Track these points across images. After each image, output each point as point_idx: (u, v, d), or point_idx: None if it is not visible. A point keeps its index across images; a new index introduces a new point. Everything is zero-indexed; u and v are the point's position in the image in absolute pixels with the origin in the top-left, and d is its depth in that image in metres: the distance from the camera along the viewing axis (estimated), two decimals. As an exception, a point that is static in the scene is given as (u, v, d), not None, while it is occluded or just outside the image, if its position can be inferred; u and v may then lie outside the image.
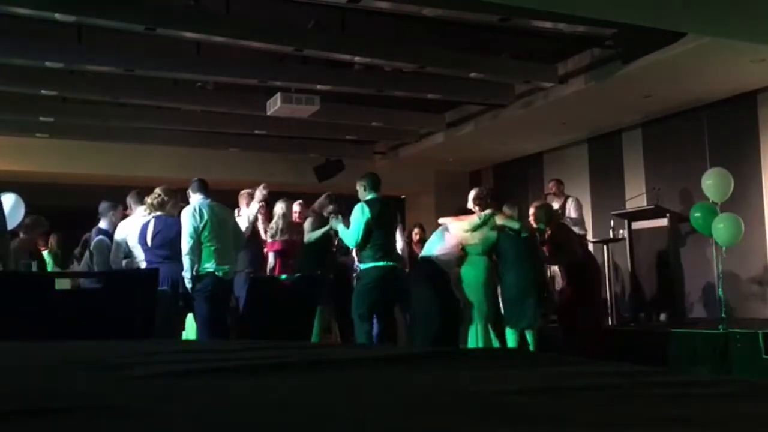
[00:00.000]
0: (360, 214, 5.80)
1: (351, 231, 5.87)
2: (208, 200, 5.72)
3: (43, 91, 8.55)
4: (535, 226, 6.60)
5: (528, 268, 6.25)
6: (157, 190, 5.74)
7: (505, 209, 6.42)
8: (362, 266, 5.92)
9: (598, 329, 6.74)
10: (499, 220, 6.17)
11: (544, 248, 6.66)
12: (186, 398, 1.05)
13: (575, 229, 7.61)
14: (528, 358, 1.65)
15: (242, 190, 7.20)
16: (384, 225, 5.87)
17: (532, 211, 6.68)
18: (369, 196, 5.91)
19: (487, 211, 6.16)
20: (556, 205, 7.88)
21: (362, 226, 5.75)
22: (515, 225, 6.17)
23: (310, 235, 6.46)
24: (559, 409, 0.95)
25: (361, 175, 6.14)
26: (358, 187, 6.02)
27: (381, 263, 5.78)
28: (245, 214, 6.73)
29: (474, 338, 5.96)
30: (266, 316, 5.35)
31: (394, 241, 6.07)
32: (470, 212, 6.51)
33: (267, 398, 1.06)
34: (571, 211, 8.11)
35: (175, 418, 0.89)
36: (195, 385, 1.17)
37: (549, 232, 6.63)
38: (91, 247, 6.44)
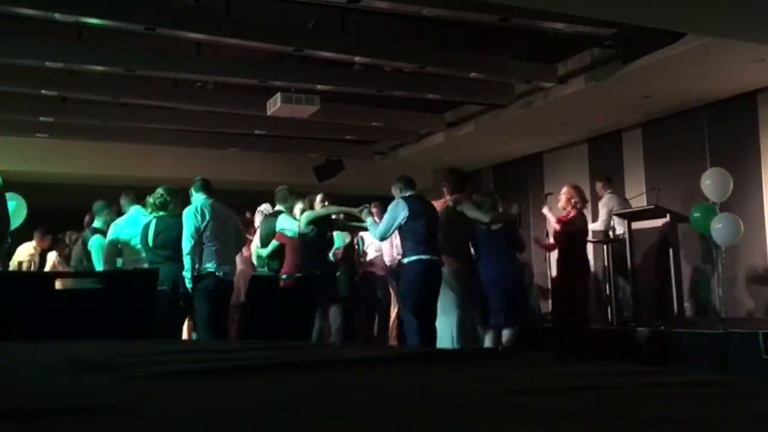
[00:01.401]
0: (398, 208, 5.73)
1: (383, 223, 5.80)
2: (211, 200, 5.71)
3: (43, 91, 8.55)
4: (564, 206, 6.52)
5: (503, 262, 6.15)
6: (160, 190, 5.73)
7: (476, 197, 6.33)
8: (405, 260, 5.77)
9: (588, 328, 6.76)
10: (468, 210, 6.01)
11: (556, 229, 6.55)
12: (186, 398, 1.05)
13: (596, 225, 7.67)
14: (528, 358, 1.65)
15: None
16: (424, 219, 5.74)
17: (566, 192, 6.58)
18: (407, 193, 5.86)
19: (449, 202, 6.00)
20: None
21: (394, 222, 5.69)
22: (484, 219, 6.00)
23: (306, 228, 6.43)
24: (559, 409, 0.95)
25: (395, 180, 6.04)
26: (394, 191, 5.95)
27: (424, 257, 5.66)
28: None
29: (449, 337, 5.88)
30: (266, 316, 5.35)
31: (436, 236, 5.82)
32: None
33: (267, 398, 1.06)
34: (600, 209, 8.11)
35: (175, 418, 0.89)
36: (194, 385, 1.17)
37: (571, 215, 6.54)
38: (89, 246, 6.45)
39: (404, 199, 5.79)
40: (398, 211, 5.70)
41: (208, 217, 5.55)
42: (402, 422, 0.87)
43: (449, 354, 2.68)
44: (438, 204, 6.12)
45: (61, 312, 2.71)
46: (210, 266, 5.50)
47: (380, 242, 7.01)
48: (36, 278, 4.48)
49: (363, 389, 1.16)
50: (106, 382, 1.22)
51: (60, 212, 8.48)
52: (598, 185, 8.55)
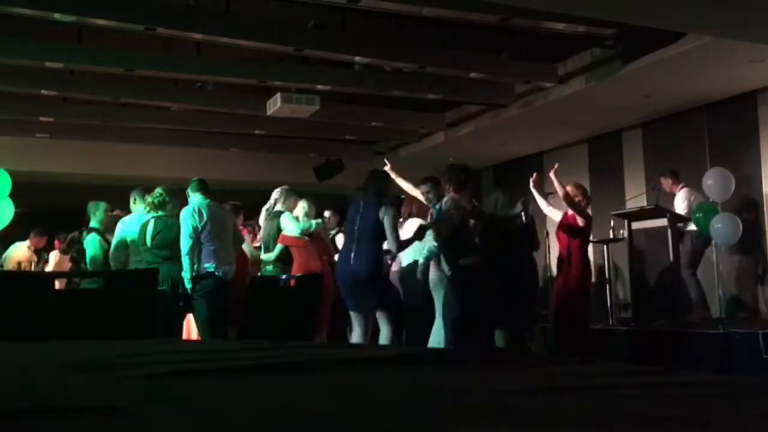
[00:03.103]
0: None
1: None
2: (208, 200, 5.70)
3: (43, 91, 8.55)
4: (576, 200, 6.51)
5: (520, 262, 6.08)
6: (159, 190, 5.72)
7: (497, 195, 6.27)
8: (463, 262, 5.49)
9: (588, 328, 6.76)
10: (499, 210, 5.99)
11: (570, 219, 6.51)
12: (186, 398, 1.05)
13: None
14: (528, 358, 1.65)
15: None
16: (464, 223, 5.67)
17: (570, 191, 6.59)
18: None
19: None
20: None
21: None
22: (517, 210, 5.93)
23: (300, 226, 6.41)
24: (559, 409, 0.95)
25: (422, 180, 5.94)
26: (424, 191, 5.90)
27: (475, 258, 5.53)
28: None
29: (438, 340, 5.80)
30: (266, 316, 5.35)
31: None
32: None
33: (267, 398, 1.06)
34: (678, 204, 7.91)
35: (175, 418, 0.89)
36: (195, 385, 1.17)
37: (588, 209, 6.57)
38: (85, 245, 6.45)
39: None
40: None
41: (206, 217, 5.53)
42: (402, 422, 0.87)
43: (449, 354, 2.68)
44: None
45: (61, 312, 2.71)
46: (209, 266, 5.49)
47: None
48: (36, 278, 4.48)
49: (363, 389, 1.16)
50: (106, 382, 1.22)
51: (59, 212, 8.49)
52: (666, 182, 8.20)
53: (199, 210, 5.56)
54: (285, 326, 5.16)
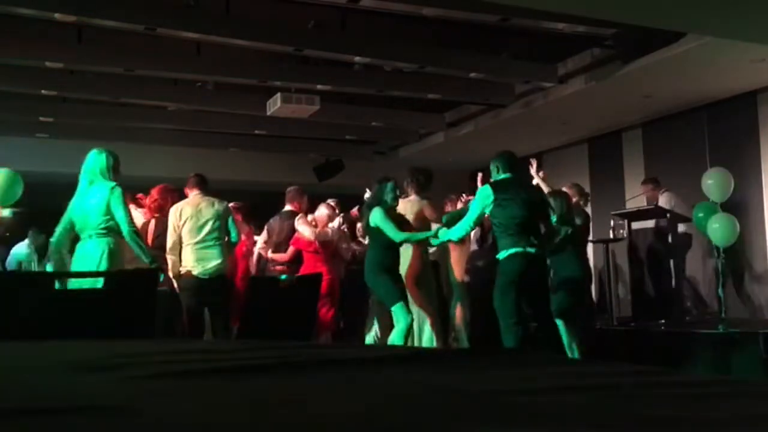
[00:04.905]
0: (482, 197, 5.08)
1: (465, 218, 5.18)
2: (198, 197, 5.59)
3: (43, 91, 8.55)
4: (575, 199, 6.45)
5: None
6: (154, 194, 5.70)
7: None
8: (499, 256, 5.07)
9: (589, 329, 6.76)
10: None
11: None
12: (186, 398, 1.05)
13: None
14: (528, 358, 1.65)
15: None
16: (521, 205, 5.00)
17: (567, 189, 6.57)
18: (500, 177, 5.14)
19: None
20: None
21: (477, 213, 5.08)
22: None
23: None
24: (559, 409, 0.95)
25: (494, 156, 5.30)
26: (492, 169, 5.30)
27: (519, 249, 4.92)
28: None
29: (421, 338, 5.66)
30: (266, 316, 5.35)
31: (537, 224, 5.09)
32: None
33: (267, 398, 1.06)
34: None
35: (175, 418, 0.89)
36: (195, 385, 1.17)
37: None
38: None
39: (492, 183, 5.15)
40: (480, 201, 5.09)
41: (186, 215, 5.44)
42: (402, 422, 0.87)
43: (449, 354, 2.68)
44: (404, 202, 5.87)
45: (62, 312, 2.71)
46: (188, 265, 5.41)
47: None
48: (36, 278, 4.48)
49: (363, 389, 1.16)
50: (106, 382, 1.21)
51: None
52: (647, 187, 8.27)
53: (181, 208, 5.51)
54: (285, 326, 5.16)
